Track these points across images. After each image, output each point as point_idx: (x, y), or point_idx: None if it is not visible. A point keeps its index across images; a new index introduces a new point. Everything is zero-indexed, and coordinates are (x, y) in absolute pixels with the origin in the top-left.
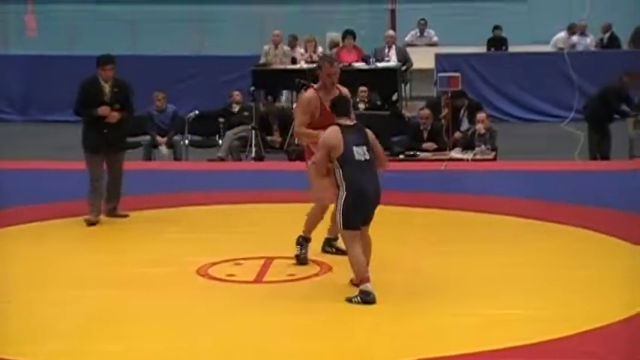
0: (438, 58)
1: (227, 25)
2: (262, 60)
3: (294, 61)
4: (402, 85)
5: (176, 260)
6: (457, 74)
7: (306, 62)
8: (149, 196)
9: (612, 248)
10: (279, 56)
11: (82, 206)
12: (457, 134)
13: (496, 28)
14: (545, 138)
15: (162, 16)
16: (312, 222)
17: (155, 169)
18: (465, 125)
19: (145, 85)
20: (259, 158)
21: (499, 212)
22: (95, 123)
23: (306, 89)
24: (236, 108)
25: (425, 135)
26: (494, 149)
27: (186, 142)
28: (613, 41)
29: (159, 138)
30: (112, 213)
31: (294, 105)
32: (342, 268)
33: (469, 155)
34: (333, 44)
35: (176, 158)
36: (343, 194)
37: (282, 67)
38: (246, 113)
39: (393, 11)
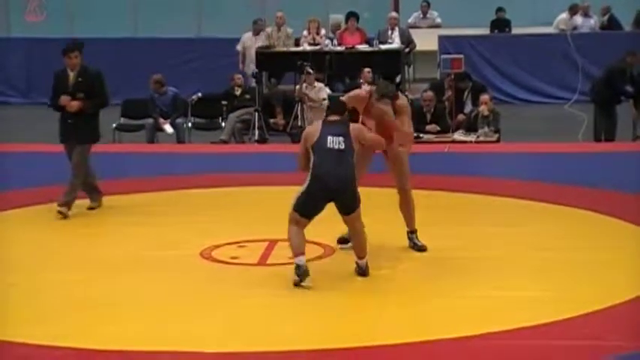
0: (441, 40)
1: (228, 7)
2: (265, 42)
3: (297, 43)
4: (405, 67)
5: (179, 243)
6: (460, 56)
7: (309, 44)
8: (152, 179)
9: (617, 230)
10: (282, 38)
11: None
12: (460, 116)
13: (499, 9)
14: (548, 120)
15: None
16: None
17: (158, 151)
18: (468, 107)
19: (146, 68)
20: (262, 141)
21: (502, 194)
22: (62, 113)
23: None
24: (238, 91)
25: (428, 117)
26: (497, 131)
27: (189, 124)
28: (612, 23)
29: (162, 120)
30: (91, 205)
31: (297, 87)
32: (344, 251)
33: (472, 137)
34: (336, 26)
35: (179, 141)
36: (307, 179)
37: (285, 49)
38: (248, 96)
39: None
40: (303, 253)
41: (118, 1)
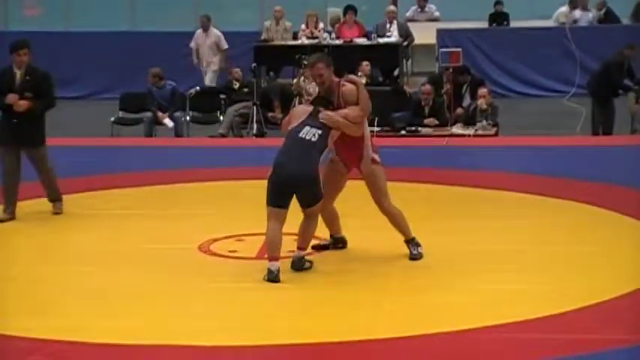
0: (440, 33)
1: (227, 0)
2: (263, 36)
3: (295, 37)
4: (404, 61)
5: (177, 237)
6: (458, 50)
7: (308, 38)
8: (150, 173)
9: (615, 223)
10: (281, 32)
11: (88, 183)
12: (459, 110)
13: (498, 3)
14: (546, 113)
15: None
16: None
17: (156, 145)
18: (467, 101)
19: (144, 62)
20: (260, 134)
21: (500, 188)
22: (6, 113)
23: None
24: (236, 85)
25: (426, 111)
26: (495, 125)
27: (187, 118)
28: (609, 16)
29: (160, 113)
30: (54, 211)
31: (295, 80)
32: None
33: (470, 131)
34: (335, 20)
35: (177, 135)
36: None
37: (283, 43)
38: (246, 90)
39: None
40: (276, 259)
41: None
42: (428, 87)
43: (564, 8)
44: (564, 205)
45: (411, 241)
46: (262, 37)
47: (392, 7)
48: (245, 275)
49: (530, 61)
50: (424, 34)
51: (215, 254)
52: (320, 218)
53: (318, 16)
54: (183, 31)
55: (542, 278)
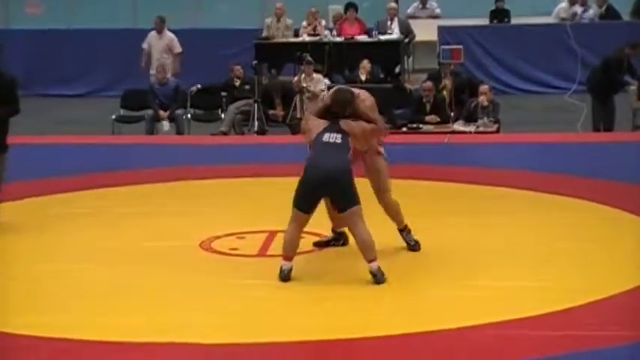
0: (441, 30)
1: None
2: (265, 33)
3: (296, 34)
4: (405, 58)
5: (179, 234)
6: (460, 46)
7: (309, 35)
8: (152, 170)
9: (616, 220)
10: (282, 29)
11: (89, 180)
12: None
13: None
14: (547, 110)
15: None
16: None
17: (157, 143)
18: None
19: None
20: (262, 132)
21: (502, 184)
22: None
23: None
24: (237, 82)
25: (428, 108)
26: (496, 121)
27: (189, 116)
28: (610, 13)
29: (161, 112)
30: None
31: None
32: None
33: (472, 128)
34: (336, 17)
35: (178, 132)
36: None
37: (284, 40)
38: (247, 87)
39: None
40: (290, 259)
41: None
42: (429, 84)
43: (564, 4)
44: (565, 201)
45: (404, 229)
46: (263, 35)
47: (393, 4)
48: (246, 273)
49: (531, 58)
50: (425, 31)
51: (216, 252)
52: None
53: (320, 13)
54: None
55: (543, 275)
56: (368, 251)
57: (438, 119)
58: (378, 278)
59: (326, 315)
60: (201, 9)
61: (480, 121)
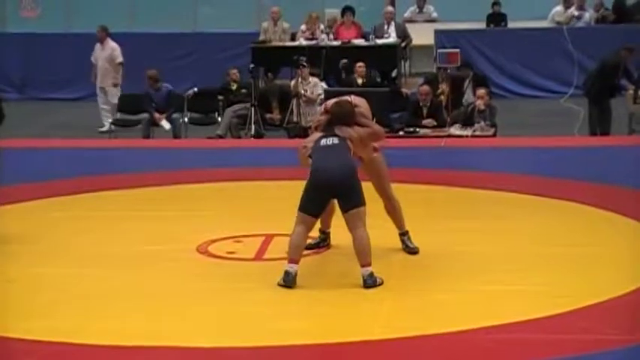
0: (438, 34)
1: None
2: (261, 37)
3: (293, 37)
4: (402, 62)
5: (175, 238)
6: (456, 50)
7: (306, 39)
8: (148, 174)
9: (612, 224)
10: (279, 33)
11: (86, 184)
12: (455, 112)
13: (495, 3)
14: (544, 114)
15: None
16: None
17: (154, 146)
18: (469, 97)
19: (142, 63)
20: (259, 135)
21: (498, 188)
22: None
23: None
24: (234, 86)
25: (424, 111)
26: (493, 125)
27: (185, 119)
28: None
29: (157, 115)
30: None
31: (293, 82)
32: (343, 244)
33: (468, 131)
34: (332, 21)
35: (175, 136)
36: (308, 177)
37: (281, 44)
38: (244, 91)
39: None
40: (296, 262)
41: None
42: (426, 87)
43: (559, 7)
44: (562, 205)
45: (405, 234)
46: (260, 38)
47: (390, 8)
48: (243, 276)
49: (527, 62)
50: (422, 35)
51: (213, 255)
52: None
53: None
54: (182, 32)
55: (540, 279)
56: (363, 255)
57: (435, 123)
58: (367, 283)
59: (323, 319)
60: (197, 12)
61: (476, 125)
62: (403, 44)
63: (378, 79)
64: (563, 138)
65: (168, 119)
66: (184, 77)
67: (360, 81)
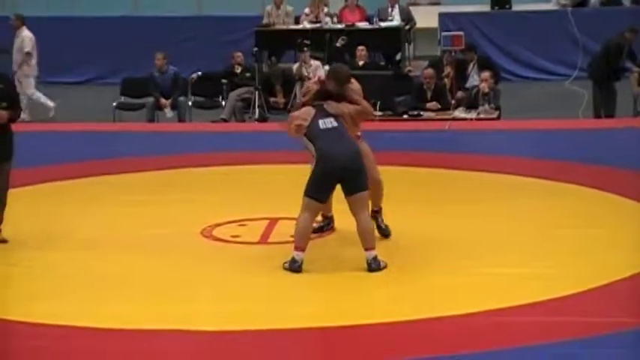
0: (442, 17)
1: None
2: (265, 20)
3: (297, 21)
4: (406, 45)
5: (180, 222)
6: (461, 33)
7: (310, 22)
8: (153, 158)
9: (617, 206)
10: (282, 16)
11: (91, 168)
12: (459, 93)
13: None
14: (549, 96)
15: None
16: None
17: (158, 130)
18: (474, 80)
19: (146, 47)
20: (263, 119)
21: (503, 172)
22: None
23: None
24: (238, 69)
25: (429, 94)
26: (497, 108)
27: (190, 103)
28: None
29: (162, 100)
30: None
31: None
32: (345, 229)
33: (473, 114)
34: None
35: (180, 120)
36: (314, 162)
37: (285, 27)
38: (248, 74)
39: None
40: (302, 249)
41: None
42: (430, 71)
43: None
44: (566, 188)
45: (378, 211)
46: (264, 22)
47: None
48: (248, 260)
49: (532, 45)
50: (426, 18)
51: (218, 239)
52: None
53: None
54: (186, 15)
55: (545, 262)
56: (367, 239)
57: (439, 106)
58: (371, 267)
59: (328, 302)
60: None
61: (480, 108)
62: (407, 27)
63: (382, 63)
64: (567, 121)
65: (174, 104)
66: (188, 61)
67: (361, 63)
